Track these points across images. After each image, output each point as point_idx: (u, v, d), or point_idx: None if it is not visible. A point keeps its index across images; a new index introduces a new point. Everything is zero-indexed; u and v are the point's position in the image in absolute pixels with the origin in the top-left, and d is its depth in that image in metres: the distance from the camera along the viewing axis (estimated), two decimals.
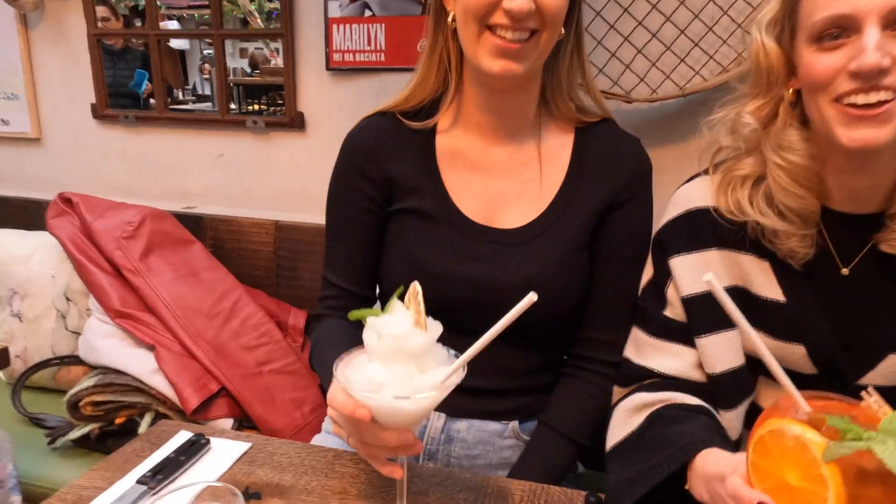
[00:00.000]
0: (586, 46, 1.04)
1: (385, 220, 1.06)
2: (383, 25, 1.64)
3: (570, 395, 1.05)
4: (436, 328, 0.71)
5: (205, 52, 4.19)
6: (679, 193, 0.99)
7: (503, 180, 1.03)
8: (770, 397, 0.95)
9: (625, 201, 1.02)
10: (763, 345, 0.61)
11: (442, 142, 1.05)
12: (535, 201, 1.02)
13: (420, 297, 0.71)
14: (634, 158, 1.05)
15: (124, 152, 1.99)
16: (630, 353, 0.98)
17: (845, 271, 0.89)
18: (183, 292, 1.52)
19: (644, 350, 0.96)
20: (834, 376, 0.89)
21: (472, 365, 0.88)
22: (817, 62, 0.80)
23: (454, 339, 0.93)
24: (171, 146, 1.94)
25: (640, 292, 1.00)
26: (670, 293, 0.94)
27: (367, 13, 1.65)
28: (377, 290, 1.12)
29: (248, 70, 4.05)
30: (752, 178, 0.90)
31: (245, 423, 1.49)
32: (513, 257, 0.99)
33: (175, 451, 0.94)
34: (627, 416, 0.92)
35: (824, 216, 0.89)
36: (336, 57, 1.69)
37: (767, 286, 0.90)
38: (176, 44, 3.80)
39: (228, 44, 1.90)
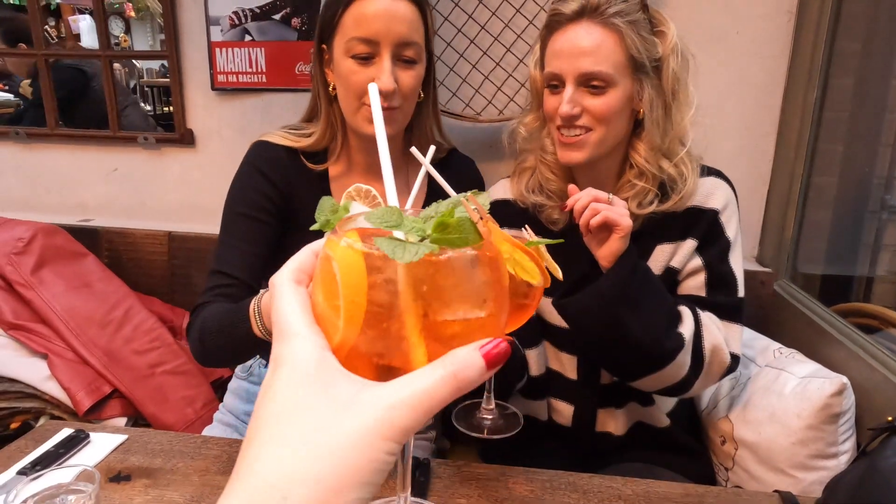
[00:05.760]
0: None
1: (278, 231, 1.20)
2: (263, 49, 1.78)
3: None
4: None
5: None
6: (487, 192, 1.30)
7: None
8: (555, 362, 1.24)
9: None
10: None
11: (336, 184, 1.26)
12: None
13: (374, 192, 0.80)
14: (474, 182, 1.38)
15: (18, 168, 2.04)
16: None
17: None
18: (76, 303, 1.62)
19: None
20: None
21: None
22: (548, 101, 1.12)
23: None
24: (65, 161, 2.01)
25: None
26: None
27: (247, 38, 1.78)
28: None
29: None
30: (531, 170, 1.23)
31: (140, 420, 1.61)
32: None
33: (55, 446, 1.07)
34: None
35: None
36: (220, 78, 1.82)
37: None
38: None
39: None
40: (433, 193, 1.25)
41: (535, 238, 0.70)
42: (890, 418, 0.92)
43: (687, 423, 1.31)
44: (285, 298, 0.39)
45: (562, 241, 0.75)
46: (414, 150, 0.72)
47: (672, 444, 1.22)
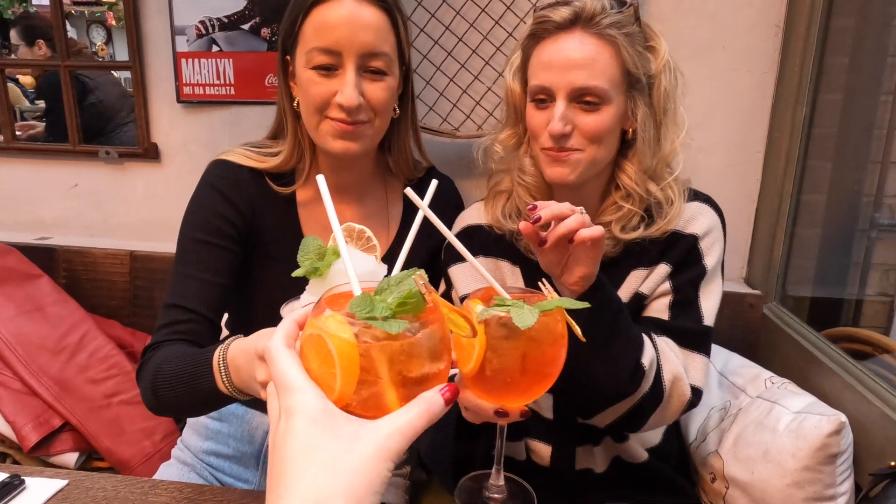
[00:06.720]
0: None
1: (239, 258, 1.09)
2: (231, 60, 1.70)
3: None
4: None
5: None
6: (459, 216, 1.21)
7: None
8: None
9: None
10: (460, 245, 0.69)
11: (305, 210, 1.16)
12: (383, 250, 1.13)
13: (368, 233, 0.77)
14: (452, 202, 1.28)
15: None
16: None
17: None
18: (25, 329, 1.52)
19: None
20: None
21: None
22: (533, 117, 1.01)
23: None
24: (22, 176, 1.91)
25: None
26: (454, 295, 1.13)
27: (215, 48, 1.70)
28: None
29: None
30: (506, 193, 1.12)
31: (94, 455, 1.51)
32: None
33: None
34: None
35: None
36: (186, 90, 1.73)
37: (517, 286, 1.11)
38: None
39: None
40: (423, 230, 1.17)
41: (554, 296, 0.70)
42: (892, 463, 0.86)
43: (675, 458, 1.24)
44: (284, 359, 0.49)
45: (588, 305, 0.68)
46: (409, 191, 0.66)
47: (656, 481, 1.15)
